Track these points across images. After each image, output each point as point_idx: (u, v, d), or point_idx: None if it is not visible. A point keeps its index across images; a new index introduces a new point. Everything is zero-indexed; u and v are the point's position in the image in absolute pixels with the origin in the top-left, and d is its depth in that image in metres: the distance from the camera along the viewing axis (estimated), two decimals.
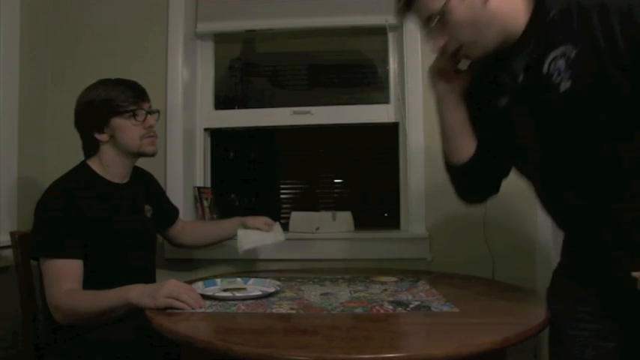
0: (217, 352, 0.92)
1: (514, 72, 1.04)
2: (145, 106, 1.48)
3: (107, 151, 1.46)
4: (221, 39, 2.23)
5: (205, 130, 2.19)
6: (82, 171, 1.46)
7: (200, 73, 2.19)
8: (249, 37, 2.34)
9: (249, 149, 2.61)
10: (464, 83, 1.16)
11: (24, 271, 1.44)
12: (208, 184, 2.20)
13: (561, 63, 0.95)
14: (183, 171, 2.01)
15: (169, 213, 1.73)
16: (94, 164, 1.48)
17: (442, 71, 1.16)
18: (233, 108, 2.32)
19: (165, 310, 1.14)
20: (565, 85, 0.95)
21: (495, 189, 1.24)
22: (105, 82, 1.47)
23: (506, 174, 1.22)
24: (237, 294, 1.30)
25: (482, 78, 1.13)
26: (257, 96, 2.40)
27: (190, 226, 1.81)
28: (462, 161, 1.19)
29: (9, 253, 1.52)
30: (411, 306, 1.20)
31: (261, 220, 1.72)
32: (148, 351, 1.33)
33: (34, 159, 1.89)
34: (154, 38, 2.03)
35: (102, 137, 1.44)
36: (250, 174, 2.60)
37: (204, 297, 1.24)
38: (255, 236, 1.67)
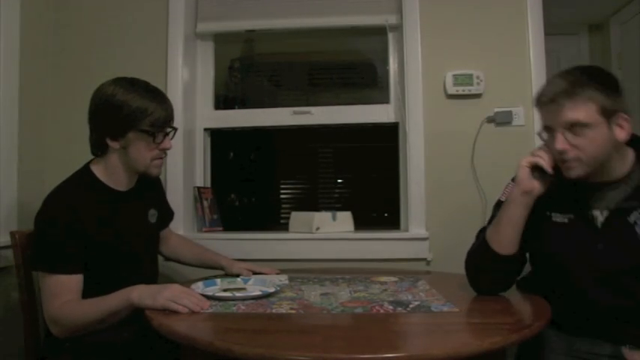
0: (217, 352, 0.92)
1: (589, 204, 1.20)
2: (167, 126, 1.40)
3: (114, 159, 1.38)
4: (221, 39, 2.23)
5: (205, 130, 2.19)
6: (84, 178, 1.39)
7: (200, 73, 2.19)
8: (249, 37, 2.34)
9: (249, 149, 2.61)
10: (543, 189, 1.23)
11: (24, 271, 1.43)
12: (208, 184, 2.20)
13: None
14: (183, 171, 2.01)
15: (166, 216, 1.71)
16: (97, 170, 1.40)
17: (533, 171, 1.22)
18: (233, 108, 2.32)
19: (165, 310, 1.14)
20: None
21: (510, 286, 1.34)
22: (138, 86, 1.35)
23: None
24: (237, 294, 1.30)
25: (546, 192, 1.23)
26: (257, 96, 2.40)
27: (177, 239, 1.76)
28: (503, 253, 1.26)
29: (9, 253, 1.51)
30: (411, 306, 1.20)
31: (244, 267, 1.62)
32: (148, 351, 1.33)
33: (34, 159, 1.89)
34: (154, 38, 2.03)
35: (113, 145, 1.35)
36: (250, 174, 2.59)
37: (204, 297, 1.23)
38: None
